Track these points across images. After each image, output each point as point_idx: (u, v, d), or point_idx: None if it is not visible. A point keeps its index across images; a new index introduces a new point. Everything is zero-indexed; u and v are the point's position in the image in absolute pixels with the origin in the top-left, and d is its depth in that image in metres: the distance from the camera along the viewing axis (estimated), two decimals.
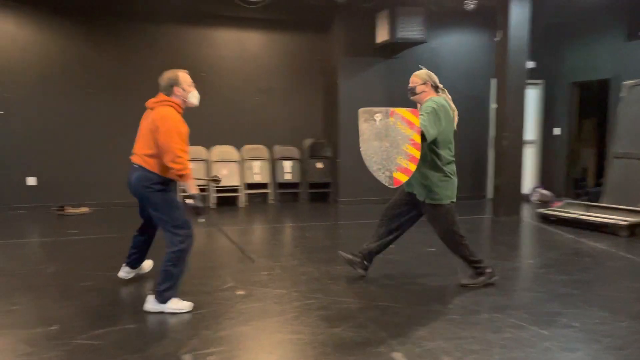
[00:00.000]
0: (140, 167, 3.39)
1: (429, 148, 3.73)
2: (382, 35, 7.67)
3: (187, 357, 2.71)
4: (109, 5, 7.58)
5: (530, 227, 6.50)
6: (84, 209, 7.29)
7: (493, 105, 7.83)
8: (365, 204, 8.12)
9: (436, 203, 3.83)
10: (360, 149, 3.51)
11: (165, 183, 3.43)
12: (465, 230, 6.04)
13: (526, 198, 8.45)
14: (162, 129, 3.28)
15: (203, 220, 3.55)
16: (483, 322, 3.22)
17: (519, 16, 6.66)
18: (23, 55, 7.39)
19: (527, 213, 7.28)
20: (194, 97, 3.53)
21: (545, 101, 8.89)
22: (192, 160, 7.98)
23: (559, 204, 7.00)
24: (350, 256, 4.15)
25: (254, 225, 6.80)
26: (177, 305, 3.38)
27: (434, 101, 3.77)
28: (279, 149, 8.36)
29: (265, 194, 8.40)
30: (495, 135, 7.16)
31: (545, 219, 6.61)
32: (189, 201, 3.44)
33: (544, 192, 8.52)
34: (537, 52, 8.18)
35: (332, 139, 8.36)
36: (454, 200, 3.93)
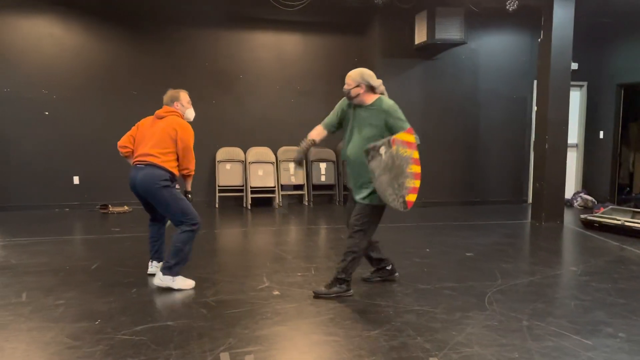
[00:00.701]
0: (150, 164, 3.80)
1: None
2: (420, 36, 7.61)
3: (224, 355, 2.75)
4: (154, 10, 7.79)
5: (572, 233, 6.32)
6: (126, 208, 7.50)
7: (535, 108, 7.66)
8: None
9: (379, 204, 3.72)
10: (376, 186, 3.56)
11: (171, 179, 3.86)
12: (504, 235, 6.00)
13: (568, 203, 8.22)
14: (184, 137, 3.86)
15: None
16: (523, 329, 3.15)
17: (563, 16, 6.49)
18: (70, 58, 7.66)
19: (569, 219, 7.08)
20: (190, 114, 4.12)
21: (588, 104, 8.64)
22: (229, 161, 8.11)
23: (603, 209, 6.78)
24: (374, 275, 4.17)
25: (289, 227, 6.85)
26: (184, 283, 3.86)
27: (388, 100, 3.75)
28: (314, 151, 8.40)
29: (301, 195, 8.44)
30: (536, 138, 6.99)
31: (588, 225, 6.41)
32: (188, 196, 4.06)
33: (587, 197, 8.27)
34: (580, 53, 7.95)
35: None
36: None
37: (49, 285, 3.96)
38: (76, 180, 7.78)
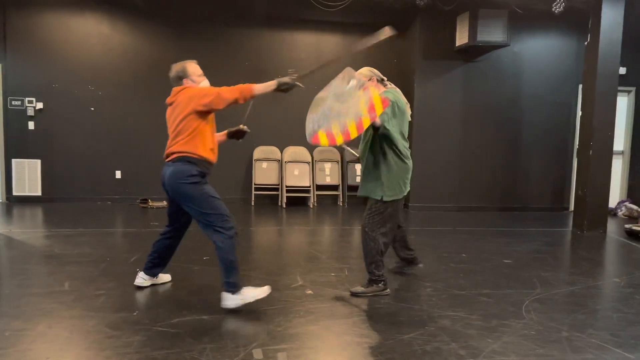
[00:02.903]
0: (178, 159, 3.34)
1: (387, 143, 3.64)
2: (461, 38, 7.50)
3: (257, 352, 2.78)
4: (198, 10, 7.95)
5: (616, 243, 6.10)
6: (165, 203, 7.66)
7: (579, 113, 7.44)
8: (436, 210, 7.98)
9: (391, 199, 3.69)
10: (317, 95, 3.49)
11: (202, 174, 3.37)
12: (544, 243, 5.85)
13: (612, 212, 7.95)
14: (195, 95, 3.31)
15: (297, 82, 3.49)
16: (562, 340, 3.06)
17: (611, 18, 6.27)
18: (116, 56, 7.90)
19: (612, 228, 6.84)
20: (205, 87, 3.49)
21: (636, 109, 8.32)
22: (266, 160, 8.18)
23: None
24: (397, 264, 4.30)
25: (324, 226, 6.86)
26: (254, 292, 3.41)
27: (392, 91, 3.76)
28: (350, 152, 8.38)
29: (336, 195, 8.45)
30: (580, 144, 6.79)
31: (633, 235, 6.19)
32: (283, 85, 3.48)
33: (632, 206, 7.98)
34: (629, 57, 7.67)
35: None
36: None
37: (90, 275, 4.09)
38: (118, 174, 8.01)
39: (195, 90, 3.37)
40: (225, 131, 3.82)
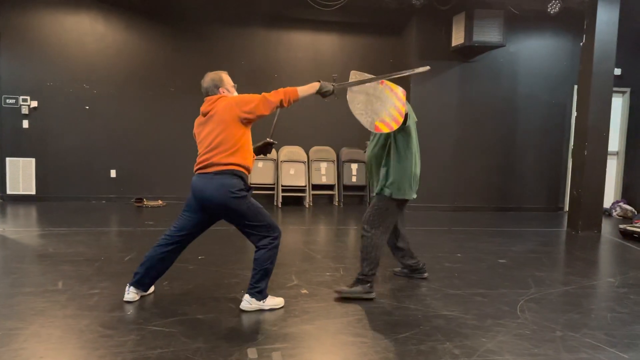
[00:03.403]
0: (224, 172, 3.19)
1: (402, 142, 3.67)
2: (458, 38, 7.51)
3: (252, 351, 2.77)
4: (194, 9, 7.93)
5: (610, 243, 6.12)
6: (160, 202, 7.65)
7: (574, 114, 7.47)
8: (432, 210, 7.98)
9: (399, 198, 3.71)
10: (348, 98, 3.52)
11: (248, 188, 3.30)
12: (539, 243, 5.86)
13: (607, 212, 7.98)
14: (239, 102, 3.20)
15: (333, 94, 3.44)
16: (556, 340, 3.06)
17: (607, 19, 6.29)
18: (111, 55, 7.87)
19: (607, 228, 6.86)
20: None
21: (631, 110, 8.36)
22: (262, 159, 8.17)
23: None
24: (403, 269, 4.28)
25: (319, 226, 6.85)
26: (273, 301, 3.44)
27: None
28: (346, 152, 8.38)
29: (331, 195, 8.44)
30: (575, 145, 6.81)
31: (627, 235, 6.21)
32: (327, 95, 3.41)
33: (627, 207, 8.01)
34: (624, 58, 7.71)
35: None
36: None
37: (84, 275, 4.07)
38: (113, 173, 7.98)
39: (236, 98, 3.25)
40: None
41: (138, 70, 7.93)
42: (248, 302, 3.37)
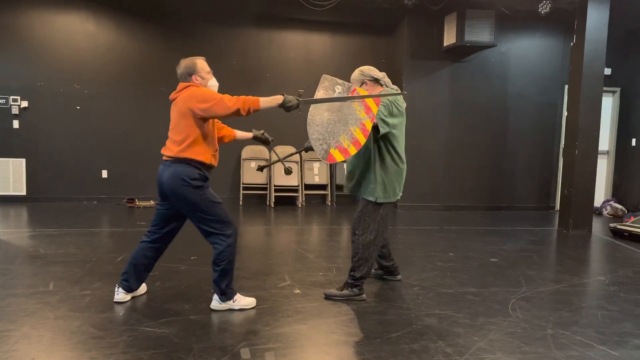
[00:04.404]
0: (178, 160, 3.20)
1: (385, 143, 3.57)
2: (449, 38, 7.54)
3: (245, 351, 2.77)
4: (184, 8, 7.91)
5: (601, 241, 6.17)
6: (152, 202, 7.62)
7: (565, 113, 7.52)
8: (424, 209, 8.02)
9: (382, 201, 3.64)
10: (308, 114, 3.40)
11: (204, 178, 3.26)
12: (530, 242, 5.90)
13: (597, 211, 8.05)
14: (195, 96, 3.14)
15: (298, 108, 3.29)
16: (548, 337, 3.09)
17: (597, 20, 6.34)
18: (102, 54, 7.82)
19: (597, 227, 6.92)
20: (213, 86, 3.36)
21: (621, 110, 8.44)
22: (254, 159, 8.15)
23: (633, 218, 6.60)
24: (377, 270, 4.22)
25: (312, 226, 6.85)
26: (245, 301, 3.42)
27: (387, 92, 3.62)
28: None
29: (324, 195, 8.45)
30: (565, 144, 6.86)
31: (618, 234, 6.27)
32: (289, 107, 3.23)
33: (617, 205, 8.08)
34: (614, 58, 7.78)
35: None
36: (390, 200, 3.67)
37: (75, 276, 4.05)
38: (104, 173, 7.94)
39: (197, 91, 3.18)
40: (251, 134, 3.79)
41: (129, 69, 7.90)
42: (217, 302, 3.39)
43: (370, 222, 3.62)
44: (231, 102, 3.10)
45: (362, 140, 3.28)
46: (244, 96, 3.16)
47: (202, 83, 3.31)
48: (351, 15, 8.18)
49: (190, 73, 3.29)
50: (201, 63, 3.33)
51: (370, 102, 3.29)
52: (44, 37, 7.64)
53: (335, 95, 3.36)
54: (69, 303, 3.44)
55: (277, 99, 3.21)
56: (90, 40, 7.78)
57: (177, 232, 3.54)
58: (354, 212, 3.74)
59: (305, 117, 3.41)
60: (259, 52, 8.21)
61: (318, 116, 3.37)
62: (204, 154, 3.23)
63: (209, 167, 3.30)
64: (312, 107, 3.40)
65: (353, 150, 3.29)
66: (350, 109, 3.30)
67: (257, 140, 3.85)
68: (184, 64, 3.32)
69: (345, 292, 3.68)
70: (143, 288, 3.68)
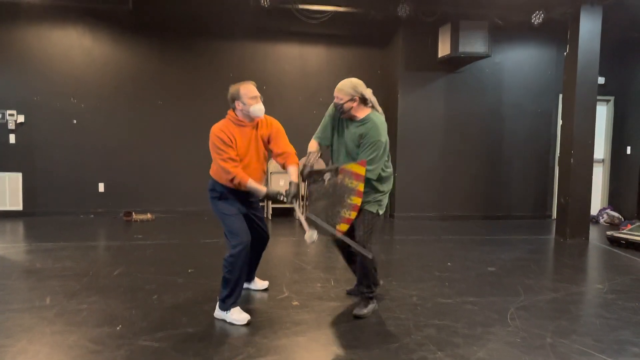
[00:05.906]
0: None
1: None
2: (444, 49, 7.60)
3: None
4: (181, 22, 7.94)
5: (598, 250, 6.18)
6: (149, 216, 7.60)
7: (560, 122, 7.57)
8: (421, 219, 8.01)
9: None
10: (308, 211, 3.56)
11: (220, 191, 3.52)
12: (528, 251, 5.90)
13: (594, 219, 8.07)
14: (213, 144, 3.40)
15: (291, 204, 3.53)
16: (546, 346, 3.08)
17: (590, 29, 6.40)
18: (98, 68, 7.84)
19: (594, 235, 6.93)
20: (257, 111, 3.41)
21: (615, 119, 8.49)
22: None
23: (630, 226, 6.62)
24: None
25: None
26: (236, 316, 3.39)
27: (378, 124, 3.45)
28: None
29: None
30: (561, 153, 6.89)
31: (614, 242, 6.27)
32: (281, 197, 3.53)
33: (613, 213, 8.10)
34: (607, 67, 7.85)
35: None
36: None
37: (72, 290, 4.03)
38: (101, 187, 7.92)
39: (216, 140, 3.36)
40: (295, 171, 3.72)
41: (125, 83, 7.92)
42: (216, 309, 3.50)
43: (373, 234, 3.56)
44: (231, 168, 3.35)
45: (359, 202, 3.38)
46: (242, 172, 3.39)
47: (244, 109, 3.39)
48: (346, 28, 8.24)
49: (233, 99, 3.41)
50: (245, 88, 3.40)
51: (357, 169, 3.34)
52: (41, 51, 7.67)
53: (326, 182, 3.48)
54: (66, 317, 3.42)
55: (261, 190, 3.49)
56: (87, 55, 7.81)
57: (258, 235, 3.79)
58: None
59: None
60: (255, 65, 8.25)
61: (317, 209, 3.54)
62: (219, 175, 3.50)
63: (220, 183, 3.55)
64: (309, 203, 3.60)
65: (354, 215, 3.40)
66: (342, 187, 3.40)
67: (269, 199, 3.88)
68: (230, 89, 3.46)
69: (370, 306, 3.64)
70: (261, 285, 4.10)
